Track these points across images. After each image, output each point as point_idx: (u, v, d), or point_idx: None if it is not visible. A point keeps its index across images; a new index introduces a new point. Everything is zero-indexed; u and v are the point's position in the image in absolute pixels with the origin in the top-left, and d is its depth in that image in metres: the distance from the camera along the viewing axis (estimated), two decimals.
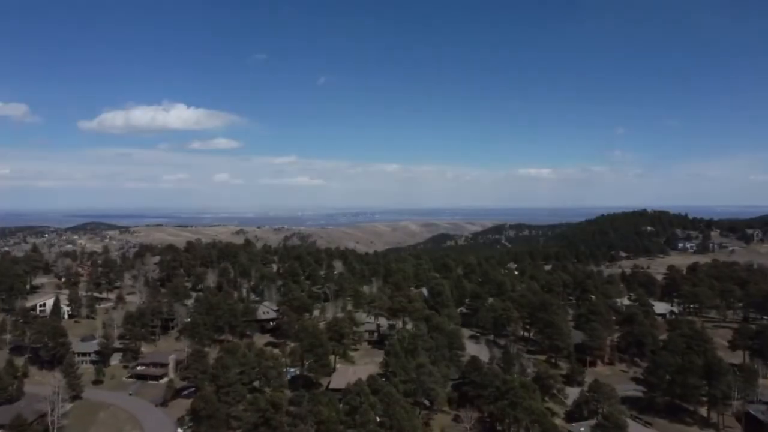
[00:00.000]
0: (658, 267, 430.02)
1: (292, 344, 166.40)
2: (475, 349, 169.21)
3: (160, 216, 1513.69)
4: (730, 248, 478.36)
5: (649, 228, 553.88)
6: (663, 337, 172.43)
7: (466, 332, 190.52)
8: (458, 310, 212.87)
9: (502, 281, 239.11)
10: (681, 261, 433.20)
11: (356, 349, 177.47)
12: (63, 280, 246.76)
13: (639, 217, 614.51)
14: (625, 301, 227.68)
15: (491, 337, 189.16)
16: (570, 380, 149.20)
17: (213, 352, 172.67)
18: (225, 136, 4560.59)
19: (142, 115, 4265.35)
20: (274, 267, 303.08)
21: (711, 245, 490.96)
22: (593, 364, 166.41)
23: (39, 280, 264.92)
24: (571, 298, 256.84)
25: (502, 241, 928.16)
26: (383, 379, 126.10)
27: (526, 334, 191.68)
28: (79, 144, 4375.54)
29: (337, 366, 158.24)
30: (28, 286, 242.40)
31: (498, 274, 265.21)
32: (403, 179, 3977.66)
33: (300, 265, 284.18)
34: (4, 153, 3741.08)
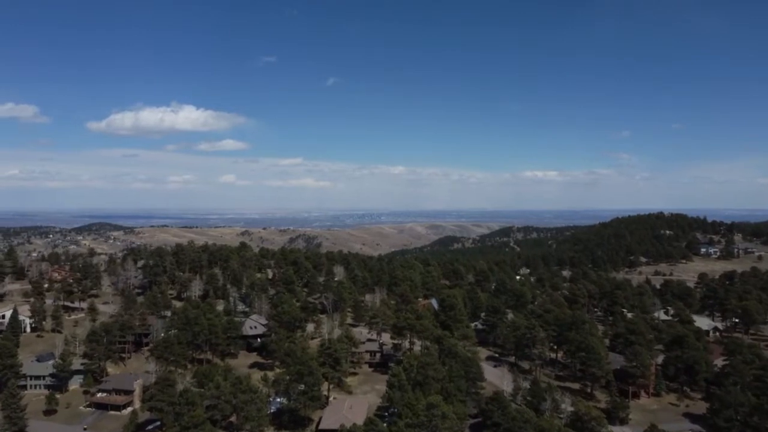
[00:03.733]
0: (681, 273, 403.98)
1: (280, 368, 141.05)
2: (495, 375, 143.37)
3: (166, 217, 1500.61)
4: (757, 253, 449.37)
5: (667, 232, 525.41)
6: (718, 362, 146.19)
7: (482, 352, 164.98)
8: (473, 325, 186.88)
9: (521, 292, 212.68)
10: (706, 267, 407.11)
11: (355, 373, 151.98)
12: (26, 288, 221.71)
13: (656, 220, 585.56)
14: (662, 316, 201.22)
15: (512, 358, 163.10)
16: (611, 416, 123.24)
17: (189, 375, 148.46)
18: (232, 137, 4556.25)
19: (150, 117, 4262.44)
20: (270, 273, 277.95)
21: (735, 250, 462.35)
22: (636, 395, 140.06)
23: (11, 287, 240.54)
24: (596, 309, 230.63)
25: (511, 244, 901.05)
26: (384, 423, 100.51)
27: (553, 355, 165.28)
28: (87, 145, 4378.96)
29: (331, 397, 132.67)
30: None
31: (515, 283, 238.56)
32: (409, 181, 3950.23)
33: (297, 272, 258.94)
34: (14, 154, 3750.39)
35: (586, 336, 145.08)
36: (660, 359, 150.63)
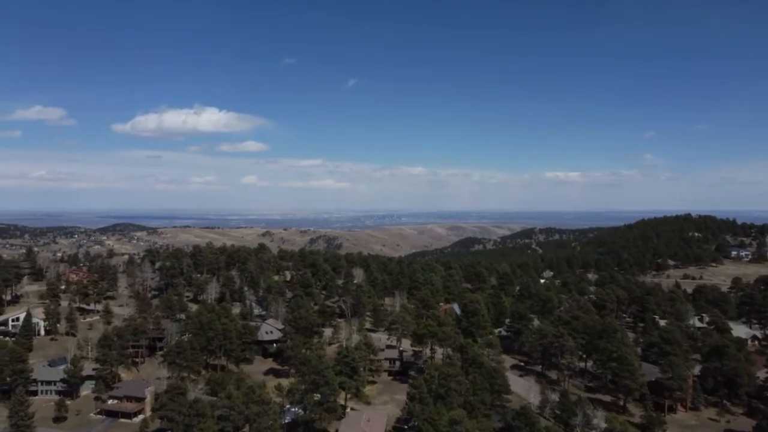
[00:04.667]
0: (711, 277, 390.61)
1: (295, 376, 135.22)
2: (521, 386, 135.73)
3: (188, 218, 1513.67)
4: None
5: (696, 234, 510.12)
6: (760, 374, 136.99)
7: (507, 360, 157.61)
8: (497, 331, 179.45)
9: (547, 297, 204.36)
10: (738, 270, 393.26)
11: (373, 382, 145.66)
12: (42, 289, 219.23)
13: (683, 221, 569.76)
14: (696, 323, 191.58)
15: (539, 367, 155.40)
16: None
17: (202, 382, 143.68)
18: (254, 138, 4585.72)
19: (173, 118, 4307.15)
20: (288, 275, 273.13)
21: None
22: (672, 409, 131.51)
23: (29, 288, 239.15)
24: (625, 316, 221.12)
25: (533, 246, 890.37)
26: None
27: (582, 364, 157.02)
28: (112, 146, 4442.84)
29: (349, 408, 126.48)
30: (8, 297, 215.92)
31: (540, 287, 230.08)
32: (429, 182, 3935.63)
33: (315, 274, 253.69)
34: (42, 155, 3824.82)
35: (619, 345, 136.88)
36: (697, 370, 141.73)
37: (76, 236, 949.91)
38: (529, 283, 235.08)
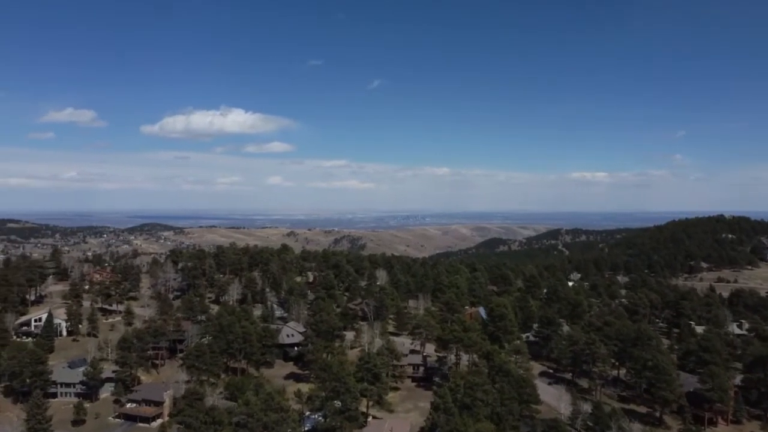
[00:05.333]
0: (747, 280, 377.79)
1: (316, 382, 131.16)
2: (551, 395, 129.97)
3: (214, 218, 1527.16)
4: None
5: (729, 236, 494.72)
6: None
7: (535, 367, 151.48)
8: (524, 336, 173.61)
9: (576, 301, 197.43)
10: None
11: (396, 388, 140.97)
12: (65, 289, 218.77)
13: (716, 222, 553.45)
14: (735, 329, 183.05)
15: (569, 375, 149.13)
16: None
17: (221, 386, 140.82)
18: (279, 139, 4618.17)
19: (200, 120, 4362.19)
20: (311, 276, 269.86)
21: None
22: (712, 422, 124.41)
23: (53, 288, 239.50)
24: (658, 321, 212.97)
25: (559, 247, 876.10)
26: None
27: (614, 372, 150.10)
28: (141, 147, 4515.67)
29: (370, 416, 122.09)
30: (32, 297, 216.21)
31: (569, 291, 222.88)
32: (453, 182, 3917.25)
33: (338, 275, 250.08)
34: (73, 156, 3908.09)
35: (654, 353, 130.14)
36: (738, 380, 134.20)
37: (105, 236, 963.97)
38: (557, 286, 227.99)
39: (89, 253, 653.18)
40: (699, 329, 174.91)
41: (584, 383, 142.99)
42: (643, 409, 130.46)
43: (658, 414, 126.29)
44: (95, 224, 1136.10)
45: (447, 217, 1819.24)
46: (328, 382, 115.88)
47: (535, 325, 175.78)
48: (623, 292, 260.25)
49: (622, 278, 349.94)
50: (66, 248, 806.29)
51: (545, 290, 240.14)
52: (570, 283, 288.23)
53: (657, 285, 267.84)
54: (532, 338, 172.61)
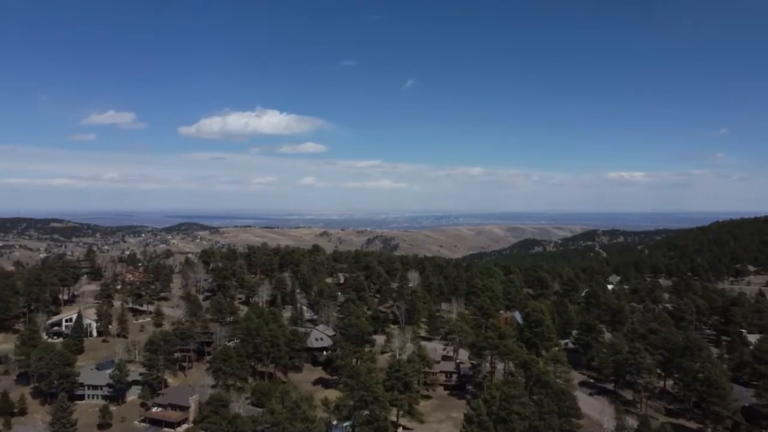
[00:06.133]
0: None
1: (344, 390, 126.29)
2: (592, 407, 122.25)
3: (249, 217, 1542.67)
4: None
5: None
6: None
7: (575, 377, 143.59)
8: (563, 343, 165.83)
9: (618, 306, 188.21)
10: None
11: (428, 396, 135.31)
12: (98, 289, 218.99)
13: (763, 223, 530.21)
14: None
15: (611, 385, 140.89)
16: None
17: (248, 390, 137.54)
18: (313, 140, 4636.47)
19: (236, 121, 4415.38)
20: (341, 277, 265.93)
21: None
22: None
23: (87, 287, 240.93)
24: (705, 328, 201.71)
25: (596, 248, 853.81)
26: None
27: (660, 383, 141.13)
28: (178, 149, 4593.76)
29: (400, 427, 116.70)
30: (66, 296, 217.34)
31: (609, 295, 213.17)
32: (487, 182, 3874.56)
33: (369, 277, 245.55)
34: (114, 157, 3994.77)
35: (706, 365, 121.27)
36: None
37: (143, 235, 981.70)
38: (597, 290, 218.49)
39: (128, 252, 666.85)
40: (751, 338, 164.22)
41: (628, 395, 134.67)
42: (693, 425, 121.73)
43: (709, 431, 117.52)
44: (134, 224, 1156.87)
45: (480, 217, 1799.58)
46: (357, 391, 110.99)
47: (574, 332, 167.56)
48: (666, 296, 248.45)
49: (664, 281, 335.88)
50: (106, 247, 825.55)
51: (583, 294, 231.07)
52: (609, 287, 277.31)
53: (702, 289, 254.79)
54: (570, 345, 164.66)
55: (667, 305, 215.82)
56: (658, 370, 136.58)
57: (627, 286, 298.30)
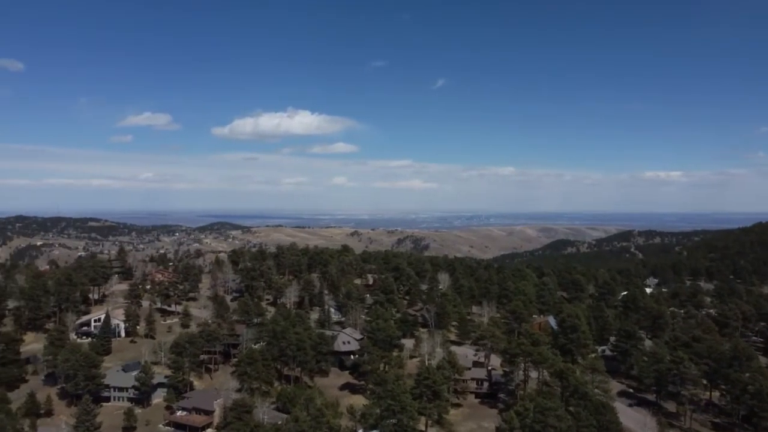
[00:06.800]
0: None
1: (371, 398, 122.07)
2: (633, 419, 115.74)
3: (280, 217, 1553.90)
4: None
5: None
6: None
7: (613, 386, 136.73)
8: (600, 350, 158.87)
9: (658, 312, 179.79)
10: None
11: (458, 405, 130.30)
12: (128, 289, 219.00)
13: None
14: None
15: (652, 396, 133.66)
16: None
17: (274, 394, 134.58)
18: (343, 140, 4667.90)
19: (268, 122, 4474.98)
20: (370, 278, 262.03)
21: None
22: None
23: (118, 287, 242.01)
24: (751, 334, 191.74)
25: (632, 249, 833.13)
26: None
27: (706, 393, 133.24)
28: (212, 149, 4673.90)
29: None
30: (96, 296, 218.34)
31: (648, 299, 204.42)
32: (518, 182, 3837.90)
33: (398, 278, 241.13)
34: (150, 158, 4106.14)
35: (756, 376, 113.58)
36: None
37: (177, 234, 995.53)
38: (635, 294, 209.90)
39: (162, 251, 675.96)
40: None
41: (671, 407, 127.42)
42: None
43: None
44: (169, 223, 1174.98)
45: (512, 217, 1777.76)
46: (384, 399, 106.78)
47: (612, 338, 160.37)
48: (708, 300, 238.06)
49: (705, 285, 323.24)
50: (141, 246, 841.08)
51: (620, 297, 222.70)
52: (648, 290, 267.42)
53: (747, 294, 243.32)
54: (608, 352, 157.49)
55: (710, 311, 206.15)
56: (704, 381, 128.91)
57: (666, 290, 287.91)
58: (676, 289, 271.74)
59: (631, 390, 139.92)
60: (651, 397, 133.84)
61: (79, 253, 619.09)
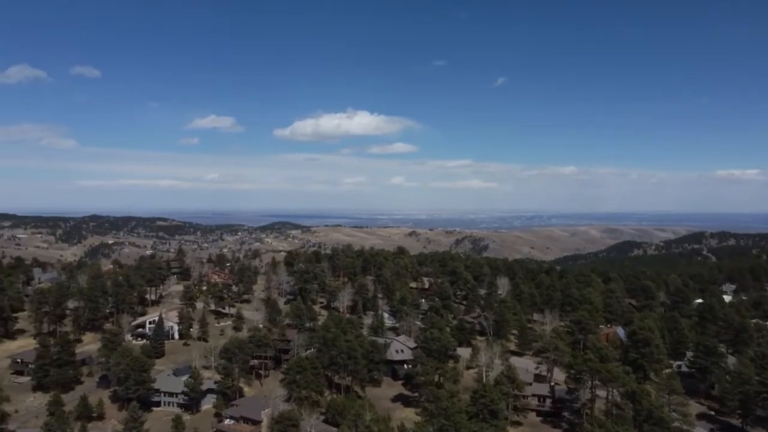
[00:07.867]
0: None
1: (423, 414, 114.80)
2: None
3: (339, 217, 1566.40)
4: None
5: None
6: None
7: (691, 407, 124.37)
8: (675, 365, 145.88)
9: (741, 324, 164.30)
10: None
11: (518, 423, 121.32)
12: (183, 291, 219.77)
13: None
14: None
15: (737, 420, 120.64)
16: None
17: (324, 404, 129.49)
18: (402, 140, 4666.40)
19: (328, 123, 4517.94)
20: (426, 282, 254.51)
21: None
22: None
23: (175, 288, 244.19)
24: None
25: (704, 252, 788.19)
26: None
27: None
28: (273, 150, 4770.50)
29: None
30: (153, 297, 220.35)
31: (729, 310, 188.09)
32: (580, 182, 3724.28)
33: (455, 282, 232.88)
34: (215, 160, 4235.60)
35: None
36: None
37: (239, 233, 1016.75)
38: (713, 303, 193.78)
39: (225, 250, 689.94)
40: None
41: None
42: None
43: None
44: (232, 222, 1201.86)
45: (574, 218, 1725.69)
46: (437, 417, 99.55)
47: (689, 353, 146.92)
48: None
49: None
50: (205, 245, 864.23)
51: (695, 306, 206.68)
52: (726, 298, 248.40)
53: None
54: (684, 368, 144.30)
55: None
56: None
57: (746, 297, 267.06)
58: (759, 297, 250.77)
59: (713, 413, 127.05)
60: (736, 421, 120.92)
61: (147, 252, 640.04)
